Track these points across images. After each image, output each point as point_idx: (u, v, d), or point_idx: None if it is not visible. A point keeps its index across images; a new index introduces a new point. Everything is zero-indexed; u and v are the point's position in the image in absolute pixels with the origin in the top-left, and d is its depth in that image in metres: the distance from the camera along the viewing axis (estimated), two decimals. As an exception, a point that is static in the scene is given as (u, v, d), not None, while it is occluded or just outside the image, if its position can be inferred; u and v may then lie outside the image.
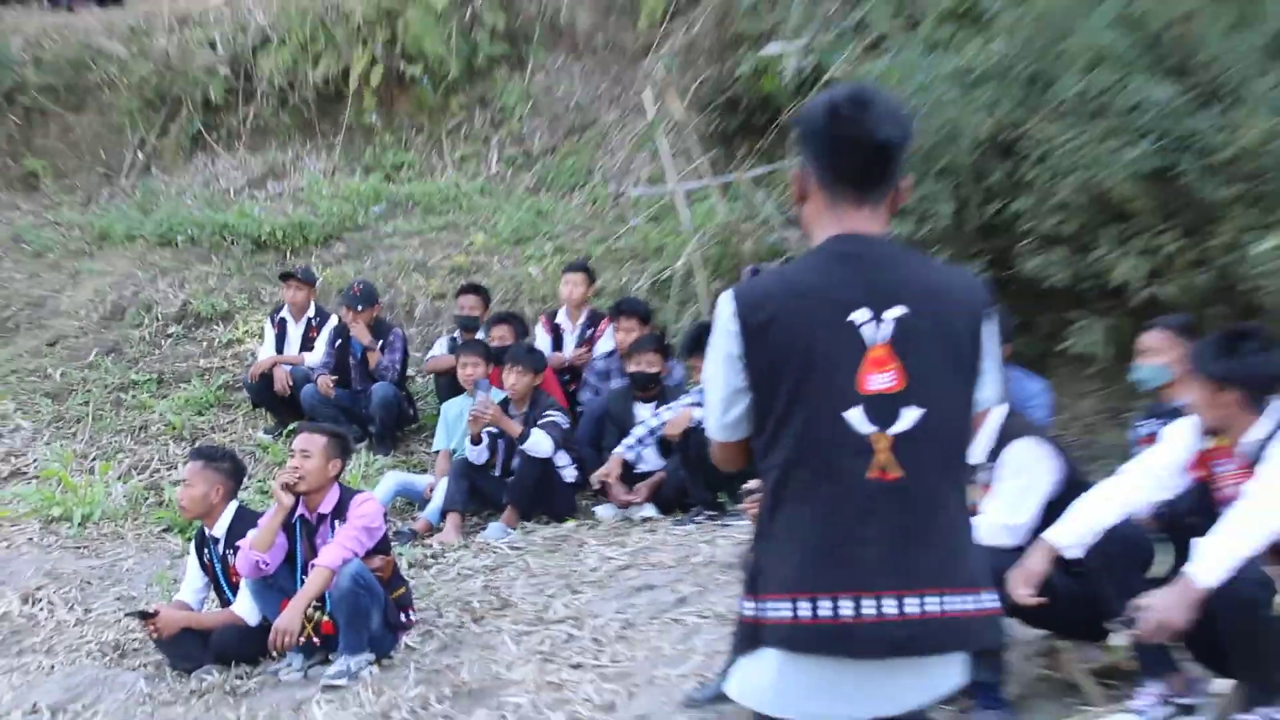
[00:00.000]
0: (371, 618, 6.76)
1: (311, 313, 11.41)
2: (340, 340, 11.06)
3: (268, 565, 6.88)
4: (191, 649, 7.10)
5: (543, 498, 9.02)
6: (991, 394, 3.11)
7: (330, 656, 6.82)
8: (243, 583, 7.11)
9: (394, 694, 6.32)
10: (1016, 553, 4.95)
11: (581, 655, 6.50)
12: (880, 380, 2.93)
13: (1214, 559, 4.33)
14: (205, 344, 12.75)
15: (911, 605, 2.90)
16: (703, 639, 6.41)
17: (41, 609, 8.17)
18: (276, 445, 10.65)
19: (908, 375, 2.94)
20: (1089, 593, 4.87)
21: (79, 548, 9.22)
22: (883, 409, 2.93)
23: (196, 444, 10.24)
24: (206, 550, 7.37)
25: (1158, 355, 6.29)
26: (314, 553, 6.88)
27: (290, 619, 6.66)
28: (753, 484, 3.29)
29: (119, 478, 10.46)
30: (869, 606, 2.89)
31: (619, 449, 9.10)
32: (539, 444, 8.84)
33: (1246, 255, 7.32)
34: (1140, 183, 7.49)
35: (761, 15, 11.56)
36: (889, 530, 2.92)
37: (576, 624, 6.91)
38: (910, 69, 8.54)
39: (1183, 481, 4.92)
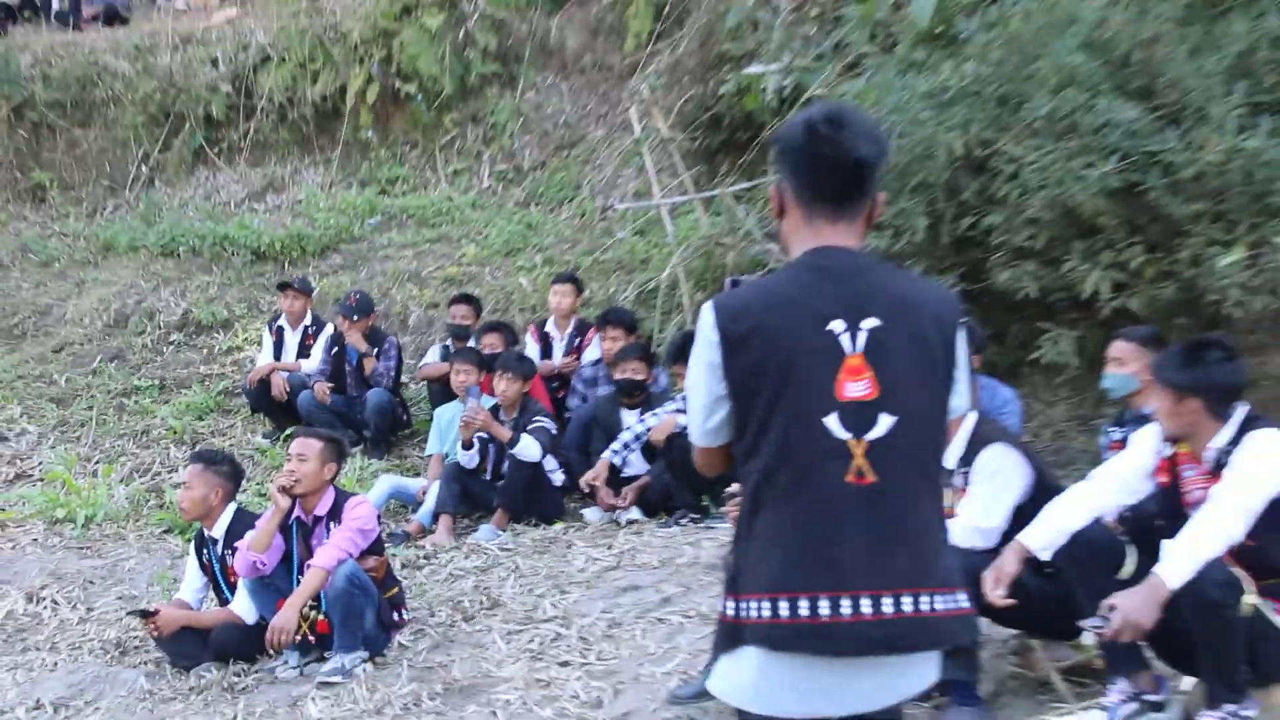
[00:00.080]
0: (365, 617, 6.75)
1: (308, 321, 11.40)
2: (337, 348, 11.04)
3: (265, 565, 6.87)
4: (191, 647, 7.09)
5: (532, 501, 9.00)
6: (962, 402, 3.12)
7: (325, 654, 6.81)
8: (240, 582, 7.10)
9: (387, 691, 6.31)
10: (989, 554, 4.95)
11: (569, 653, 6.49)
12: (856, 388, 2.93)
13: (1181, 561, 4.33)
14: (206, 351, 12.75)
15: (887, 605, 2.90)
16: (686, 638, 6.40)
17: (45, 607, 8.17)
18: (274, 449, 10.62)
19: (882, 384, 2.94)
20: (1060, 593, 4.86)
21: (82, 548, 9.22)
22: (859, 416, 2.93)
23: (196, 448, 10.19)
24: (206, 551, 7.36)
25: (1125, 365, 6.30)
26: (310, 553, 6.87)
27: (287, 618, 6.65)
28: (734, 488, 3.29)
29: (121, 480, 10.45)
30: (846, 606, 2.89)
31: (606, 454, 9.08)
32: (528, 449, 8.82)
33: (1210, 269, 7.32)
34: (1108, 199, 7.50)
35: (744, 37, 11.54)
36: (865, 532, 2.92)
37: (564, 623, 6.89)
38: (886, 89, 8.53)
39: (1149, 486, 4.92)
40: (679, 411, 8.45)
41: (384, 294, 12.64)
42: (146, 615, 7.11)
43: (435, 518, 9.02)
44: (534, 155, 14.35)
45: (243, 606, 7.13)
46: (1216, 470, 4.61)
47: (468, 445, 9.04)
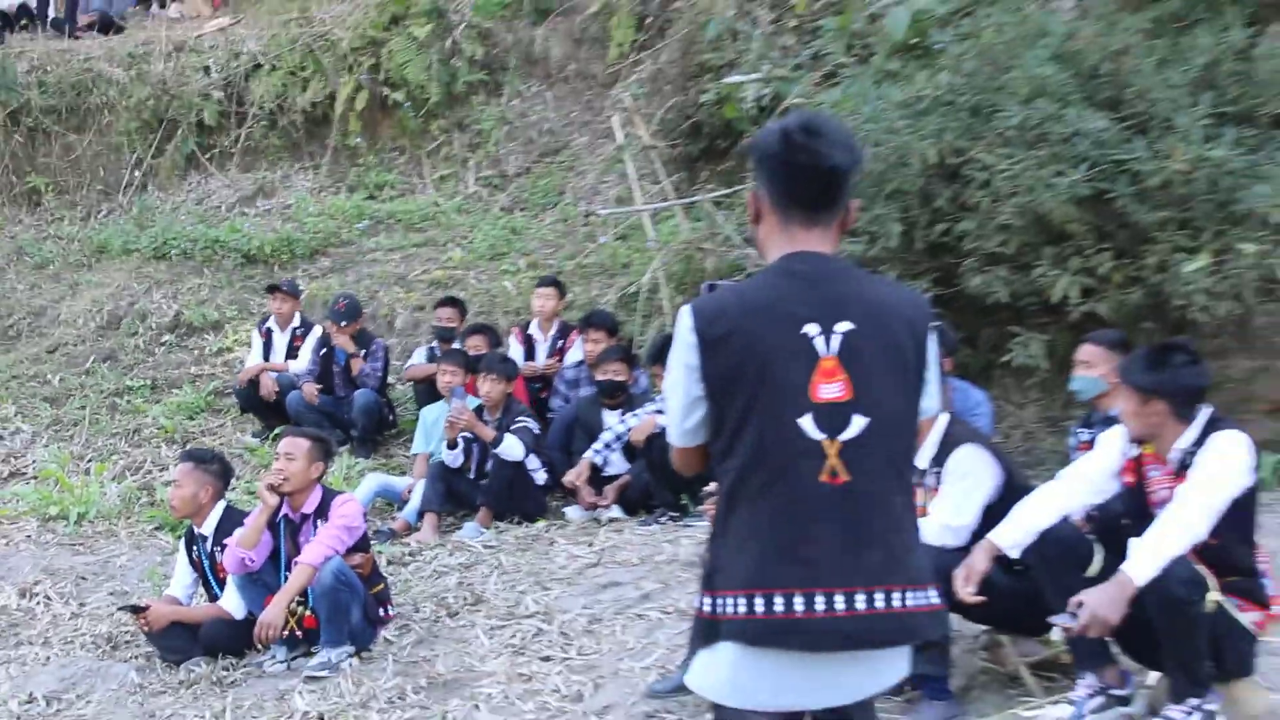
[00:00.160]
0: (352, 612, 6.74)
1: (296, 323, 11.38)
2: (325, 349, 11.03)
3: (253, 562, 6.86)
4: (180, 641, 7.09)
5: (515, 499, 8.98)
6: (933, 403, 3.14)
7: (312, 649, 6.81)
8: (229, 579, 7.09)
9: (373, 685, 6.31)
10: (960, 552, 4.95)
11: (550, 648, 6.49)
12: (830, 390, 2.94)
13: (1147, 558, 4.33)
14: (196, 352, 12.71)
15: (860, 601, 2.92)
16: (665, 633, 6.40)
17: (38, 603, 8.16)
18: (263, 448, 10.60)
19: (855, 386, 2.95)
20: (1029, 590, 4.87)
21: (75, 545, 9.20)
22: (832, 417, 2.94)
23: (187, 447, 10.18)
24: (195, 548, 7.34)
25: (1093, 368, 6.30)
26: (297, 550, 6.86)
27: (274, 613, 6.64)
28: (712, 487, 3.29)
29: (113, 478, 10.43)
30: (820, 602, 2.91)
31: (588, 453, 9.08)
32: (511, 448, 8.81)
33: (1176, 275, 7.35)
34: (1077, 206, 7.51)
35: (724, 47, 11.53)
36: (838, 530, 2.93)
37: (546, 619, 6.89)
38: (862, 98, 8.53)
39: (1116, 486, 4.93)
40: (659, 412, 8.45)
41: (371, 296, 12.61)
42: (137, 611, 7.11)
43: (420, 515, 9.00)
44: (519, 161, 14.31)
45: (231, 602, 7.12)
46: (1181, 470, 4.62)
47: (452, 445, 9.03)
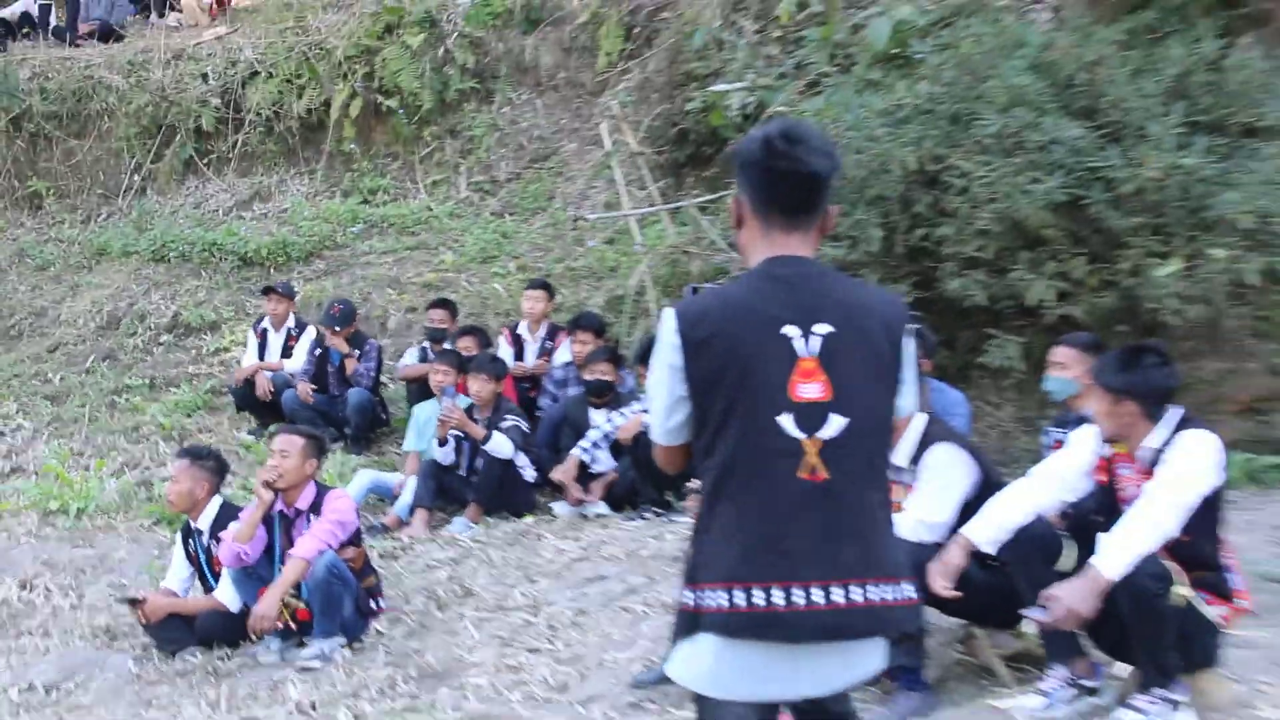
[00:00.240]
0: (344, 605, 6.74)
1: (291, 324, 11.37)
2: (320, 349, 11.02)
3: (248, 556, 6.85)
4: (177, 632, 7.09)
5: (504, 495, 8.97)
6: (909, 403, 3.14)
7: (305, 640, 6.81)
8: (225, 572, 7.08)
9: (364, 675, 6.31)
10: (936, 548, 4.97)
11: (537, 640, 6.49)
12: (809, 390, 2.95)
13: (1117, 553, 4.35)
14: (194, 352, 12.69)
15: (837, 594, 2.92)
16: (650, 626, 6.40)
17: (39, 595, 8.15)
18: (258, 445, 10.58)
19: (834, 386, 2.96)
20: (1002, 584, 4.88)
21: (74, 539, 9.17)
22: (811, 416, 2.95)
23: (184, 444, 10.16)
24: (192, 541, 7.34)
25: (1066, 369, 6.31)
26: (291, 544, 6.85)
27: (269, 605, 6.64)
28: (695, 484, 3.29)
29: (112, 474, 10.41)
30: (799, 595, 2.91)
31: (575, 451, 9.10)
32: (500, 446, 8.81)
33: (1148, 279, 7.37)
34: (1053, 212, 7.54)
35: (709, 57, 11.54)
36: (817, 526, 2.94)
37: (533, 611, 6.89)
38: (845, 107, 8.56)
39: (1087, 484, 4.93)
40: (645, 411, 8.45)
41: (365, 298, 12.60)
42: (135, 602, 7.11)
43: (412, 511, 8.99)
44: (509, 167, 14.31)
45: (227, 594, 7.11)
46: (1151, 469, 4.63)
47: (443, 442, 9.03)
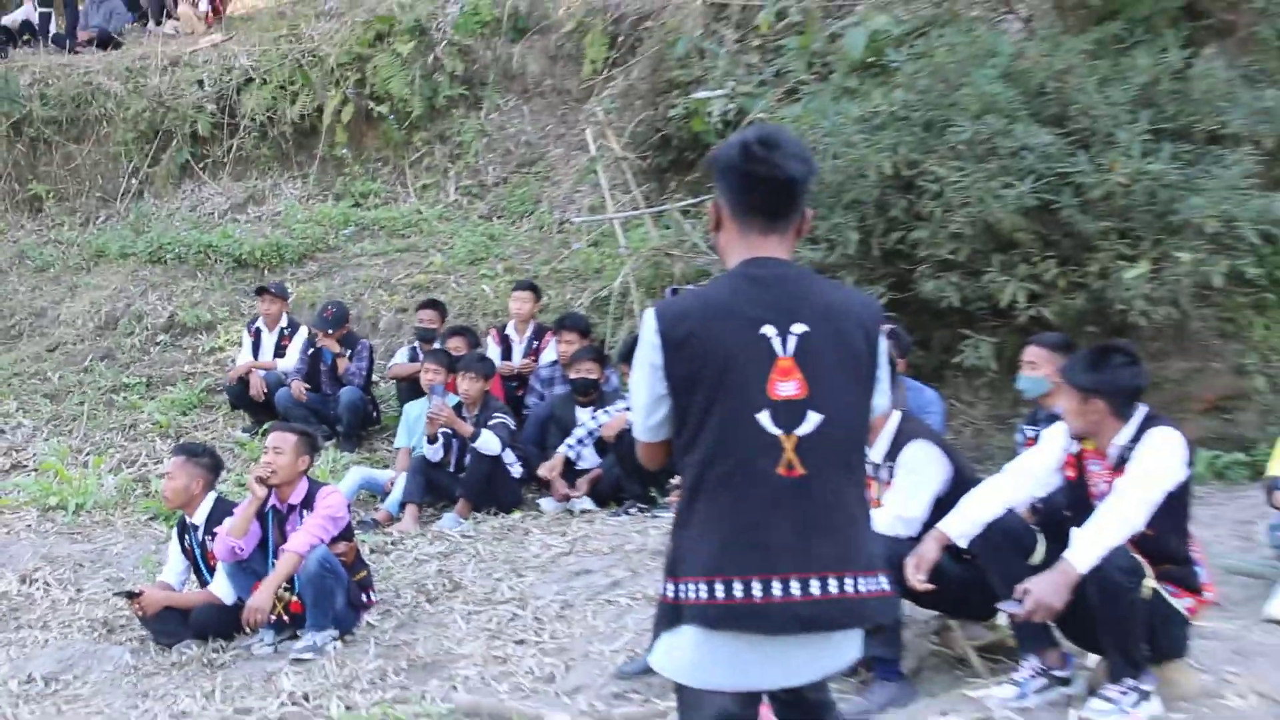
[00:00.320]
0: (336, 598, 6.72)
1: (284, 324, 11.36)
2: (313, 349, 11.00)
3: (243, 550, 6.84)
4: (173, 625, 7.06)
5: (492, 491, 8.97)
6: (884, 401, 3.15)
7: (298, 633, 6.79)
8: (219, 566, 7.06)
9: (355, 666, 6.29)
10: (911, 542, 4.97)
11: (524, 632, 6.49)
12: (787, 388, 2.95)
13: (1088, 548, 4.36)
14: (190, 351, 12.65)
15: (814, 586, 2.93)
16: (634, 618, 6.40)
17: (38, 588, 8.14)
18: (252, 443, 10.56)
19: (810, 384, 2.96)
20: (976, 578, 4.88)
21: (73, 534, 9.17)
22: (789, 413, 2.95)
23: (180, 441, 10.15)
24: (187, 536, 7.32)
25: (1038, 368, 6.32)
26: (284, 539, 6.83)
27: (262, 599, 6.63)
28: (677, 479, 3.29)
29: (110, 471, 10.40)
30: (777, 588, 2.92)
31: (561, 448, 9.12)
32: (488, 443, 8.80)
33: (1117, 281, 7.39)
34: (1024, 216, 7.55)
35: (691, 65, 11.52)
36: (795, 520, 2.94)
37: (520, 604, 6.88)
38: (822, 114, 8.56)
39: (1058, 480, 4.94)
40: (629, 409, 8.44)
41: (356, 299, 12.57)
42: (132, 596, 7.08)
43: (402, 507, 9.00)
44: (497, 172, 14.28)
45: (221, 588, 7.09)
46: (1119, 465, 4.64)
47: (433, 440, 9.02)
